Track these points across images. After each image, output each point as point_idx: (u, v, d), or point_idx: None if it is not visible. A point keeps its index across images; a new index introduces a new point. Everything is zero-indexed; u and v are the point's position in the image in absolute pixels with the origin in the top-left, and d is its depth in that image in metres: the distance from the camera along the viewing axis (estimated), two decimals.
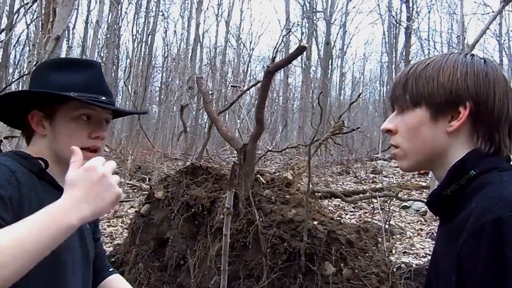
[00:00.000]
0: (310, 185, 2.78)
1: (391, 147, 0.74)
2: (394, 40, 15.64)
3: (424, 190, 5.82)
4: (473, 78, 0.65)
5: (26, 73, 4.80)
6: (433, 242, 3.88)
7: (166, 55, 18.77)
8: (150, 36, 17.15)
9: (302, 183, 4.28)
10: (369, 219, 4.36)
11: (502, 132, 0.65)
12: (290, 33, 13.51)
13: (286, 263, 2.40)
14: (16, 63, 15.80)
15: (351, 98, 16.52)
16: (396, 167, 7.19)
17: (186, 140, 6.78)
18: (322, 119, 7.83)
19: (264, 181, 2.90)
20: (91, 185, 0.63)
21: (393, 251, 3.49)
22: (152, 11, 17.39)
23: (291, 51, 2.47)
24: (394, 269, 2.68)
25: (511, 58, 13.73)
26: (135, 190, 6.33)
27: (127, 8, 17.39)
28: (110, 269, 1.03)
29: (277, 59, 2.64)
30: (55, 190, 0.83)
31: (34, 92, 0.84)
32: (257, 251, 2.49)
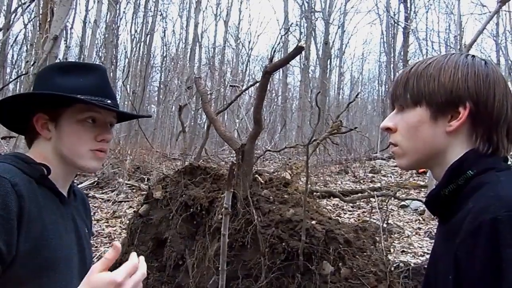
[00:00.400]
0: (309, 185, 2.78)
1: (390, 145, 0.74)
2: (392, 40, 15.67)
3: (423, 189, 5.84)
4: (473, 79, 0.65)
5: (23, 73, 4.79)
6: (431, 241, 3.90)
7: (164, 55, 18.77)
8: (148, 36, 17.13)
9: (301, 183, 4.29)
10: (368, 218, 4.37)
11: (501, 133, 0.65)
12: (289, 33, 13.50)
13: (285, 263, 2.40)
14: (14, 63, 15.76)
15: (350, 97, 16.55)
16: (395, 166, 7.21)
17: (185, 140, 6.77)
18: (320, 119, 7.83)
19: (262, 181, 2.90)
20: None
21: (391, 250, 3.49)
22: (151, 11, 17.36)
23: (289, 51, 2.47)
24: (392, 268, 2.69)
25: (508, 58, 13.77)
26: (134, 190, 6.32)
27: (125, 8, 17.38)
28: None
29: (276, 59, 2.64)
30: (55, 197, 0.82)
31: (42, 94, 0.83)
32: (256, 250, 2.49)
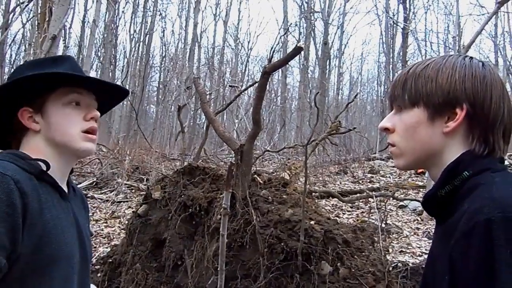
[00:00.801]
0: (307, 185, 2.78)
1: (388, 145, 0.75)
2: (392, 41, 15.70)
3: (421, 190, 5.85)
4: (471, 81, 0.66)
5: None
6: (430, 241, 3.91)
7: (164, 54, 18.75)
8: (147, 35, 17.12)
9: (299, 183, 4.29)
10: (366, 219, 4.38)
11: (497, 134, 0.66)
12: (288, 33, 13.52)
13: (283, 263, 2.41)
14: (12, 62, 15.72)
15: (349, 98, 16.55)
16: (394, 166, 7.21)
17: (184, 140, 6.77)
18: (319, 119, 7.85)
19: (261, 181, 2.90)
20: None
21: (390, 250, 3.50)
22: (150, 11, 17.36)
23: (288, 51, 2.47)
24: (391, 268, 2.69)
25: (507, 59, 13.81)
26: (133, 191, 6.32)
27: (124, 8, 17.36)
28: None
29: (275, 59, 2.64)
30: (55, 192, 0.82)
31: (23, 78, 0.80)
32: (254, 251, 2.49)
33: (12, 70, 0.93)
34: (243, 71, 18.34)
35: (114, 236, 4.58)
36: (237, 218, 2.59)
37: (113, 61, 16.46)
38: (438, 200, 0.67)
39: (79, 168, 6.85)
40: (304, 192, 2.59)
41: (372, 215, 4.24)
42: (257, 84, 2.78)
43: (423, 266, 2.06)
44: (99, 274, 3.12)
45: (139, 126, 9.82)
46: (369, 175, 7.23)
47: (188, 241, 2.83)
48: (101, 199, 5.88)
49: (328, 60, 14.80)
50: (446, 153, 0.67)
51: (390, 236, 3.97)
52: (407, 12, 13.82)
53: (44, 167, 0.80)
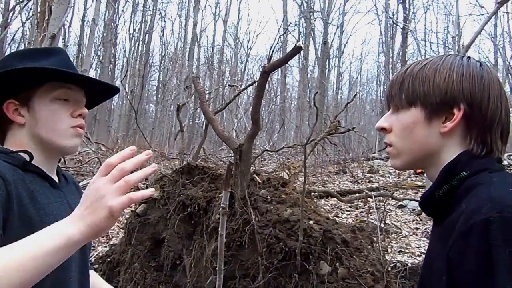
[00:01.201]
0: (306, 185, 2.78)
1: (385, 145, 0.75)
2: (391, 40, 15.71)
3: (420, 190, 5.85)
4: (468, 81, 0.65)
5: None
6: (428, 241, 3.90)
7: (163, 54, 18.75)
8: (147, 34, 17.10)
9: (298, 183, 4.29)
10: (365, 219, 4.38)
11: (495, 134, 0.66)
12: (288, 32, 13.51)
13: (282, 263, 2.41)
14: None
15: (348, 97, 16.57)
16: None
17: (183, 139, 6.76)
18: (319, 119, 7.83)
19: (260, 181, 2.90)
20: (90, 202, 0.58)
21: (389, 250, 3.50)
22: (149, 10, 17.34)
23: (288, 50, 2.47)
24: (389, 268, 2.69)
25: (506, 59, 13.82)
26: (132, 190, 6.30)
27: (124, 7, 17.34)
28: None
29: (274, 59, 2.64)
30: (44, 181, 0.81)
31: (12, 70, 0.78)
32: (253, 250, 2.49)
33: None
34: (242, 70, 18.35)
35: (112, 235, 4.57)
36: (236, 218, 2.58)
37: (113, 60, 16.45)
38: (436, 200, 0.66)
39: (78, 167, 6.84)
40: (303, 191, 2.59)
41: (371, 215, 4.25)
42: (256, 83, 2.78)
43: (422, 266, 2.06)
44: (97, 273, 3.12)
45: (138, 125, 9.81)
46: (368, 175, 7.23)
47: (187, 241, 2.83)
48: None
49: (327, 60, 14.80)
50: (443, 154, 0.67)
51: (389, 236, 3.97)
52: (407, 12, 13.81)
53: (27, 158, 0.79)
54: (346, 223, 3.57)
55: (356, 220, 4.59)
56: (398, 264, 3.18)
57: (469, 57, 0.70)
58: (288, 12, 16.67)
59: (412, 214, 5.03)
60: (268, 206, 2.65)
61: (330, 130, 3.01)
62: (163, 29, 18.69)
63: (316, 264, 2.37)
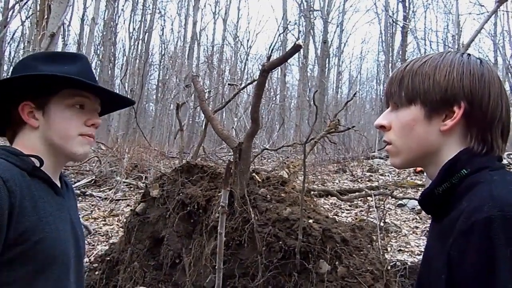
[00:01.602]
0: (306, 184, 2.78)
1: (385, 143, 0.74)
2: (391, 39, 15.70)
3: (420, 188, 5.85)
4: (469, 78, 0.65)
5: None
6: None
7: (163, 53, 18.73)
8: (147, 33, 17.08)
9: (298, 182, 4.29)
10: (365, 217, 4.38)
11: (495, 132, 0.65)
12: (287, 31, 13.49)
13: (281, 261, 2.40)
14: (11, 60, 15.68)
15: (348, 96, 16.56)
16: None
17: (182, 138, 6.76)
18: (318, 117, 7.84)
19: (259, 180, 2.89)
20: None
21: (388, 249, 3.50)
22: (149, 9, 17.31)
23: (288, 49, 2.46)
24: (389, 267, 2.69)
25: (506, 57, 13.80)
26: (132, 189, 6.31)
27: (123, 6, 17.31)
28: None
29: (274, 58, 2.63)
30: (49, 188, 0.81)
31: (36, 75, 0.79)
32: (253, 249, 2.49)
33: (23, 57, 0.91)
34: (242, 69, 18.34)
35: (112, 234, 4.57)
36: (235, 217, 2.58)
37: (112, 59, 16.43)
38: (435, 198, 0.66)
39: (78, 166, 6.83)
40: (302, 190, 2.59)
41: (370, 214, 4.24)
42: (256, 82, 2.77)
43: None
44: (97, 272, 3.11)
45: (138, 124, 9.81)
46: (368, 173, 7.23)
47: (186, 240, 2.82)
48: (99, 197, 5.88)
49: (327, 59, 14.79)
50: (443, 152, 0.66)
51: (389, 235, 3.97)
52: (407, 11, 13.80)
53: (37, 163, 0.79)
54: (346, 222, 3.57)
55: (356, 219, 4.58)
56: (397, 263, 3.19)
57: (469, 54, 0.69)
58: (287, 11, 16.66)
59: (411, 213, 5.03)
60: (268, 205, 2.65)
61: (330, 129, 3.01)
62: (163, 28, 18.72)
63: (315, 263, 2.37)
